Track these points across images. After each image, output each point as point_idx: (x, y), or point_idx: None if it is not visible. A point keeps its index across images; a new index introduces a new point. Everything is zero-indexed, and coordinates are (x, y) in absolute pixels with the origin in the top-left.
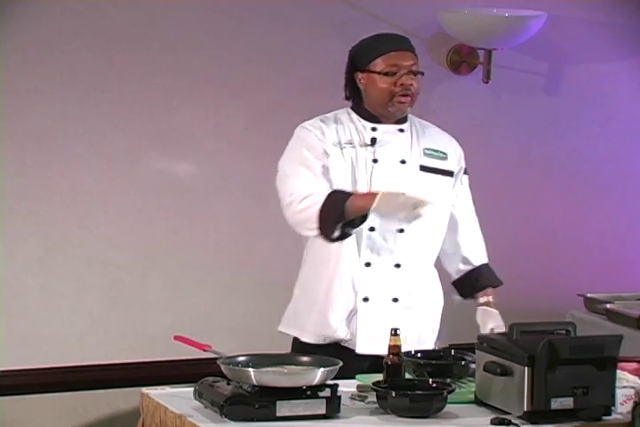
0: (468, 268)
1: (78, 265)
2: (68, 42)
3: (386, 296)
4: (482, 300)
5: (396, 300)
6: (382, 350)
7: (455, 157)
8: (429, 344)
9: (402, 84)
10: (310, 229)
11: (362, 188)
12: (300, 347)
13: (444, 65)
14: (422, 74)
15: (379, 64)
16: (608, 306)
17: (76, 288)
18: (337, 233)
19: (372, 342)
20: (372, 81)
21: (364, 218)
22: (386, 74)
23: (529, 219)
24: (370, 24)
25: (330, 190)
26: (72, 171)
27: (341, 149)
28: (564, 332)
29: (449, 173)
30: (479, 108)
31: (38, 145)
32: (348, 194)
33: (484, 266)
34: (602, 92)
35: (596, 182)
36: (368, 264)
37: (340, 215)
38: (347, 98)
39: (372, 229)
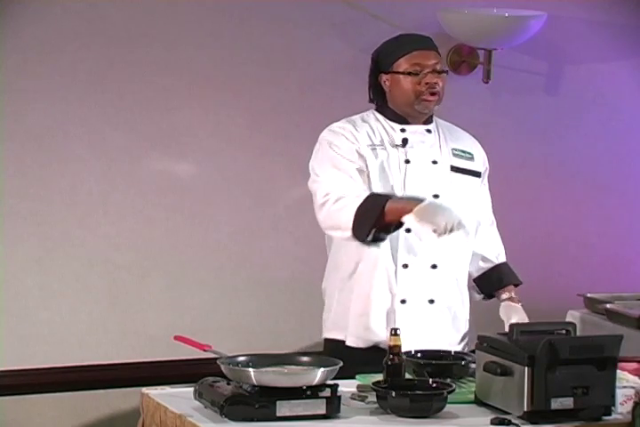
0: (489, 265)
1: (78, 265)
2: (68, 42)
3: (422, 298)
4: (504, 296)
5: (432, 301)
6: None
7: (480, 158)
8: (455, 346)
9: (427, 84)
10: (344, 230)
11: (396, 189)
12: (343, 351)
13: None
14: (447, 72)
15: (402, 64)
16: (608, 306)
17: (76, 288)
18: (370, 237)
19: (409, 345)
20: (397, 82)
21: (399, 224)
22: (409, 74)
23: (529, 219)
24: (370, 24)
25: (367, 193)
26: (72, 171)
27: (373, 150)
28: (564, 332)
29: (477, 174)
30: (479, 108)
31: (38, 145)
32: (388, 196)
33: (503, 264)
34: (602, 92)
35: (595, 182)
36: (405, 266)
37: (378, 217)
38: (371, 100)
39: (408, 230)
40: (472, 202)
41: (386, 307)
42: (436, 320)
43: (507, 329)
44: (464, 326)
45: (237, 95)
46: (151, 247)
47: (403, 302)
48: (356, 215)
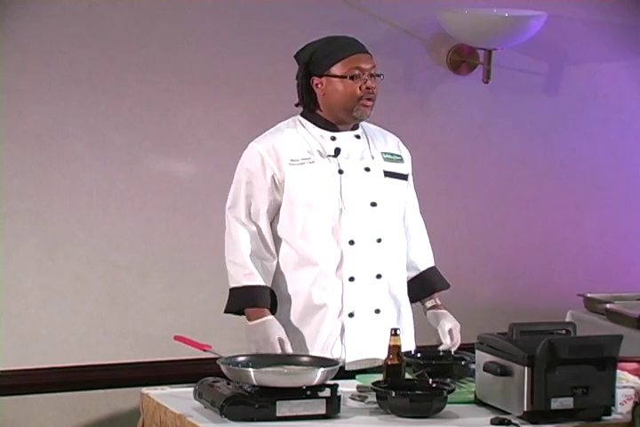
0: (414, 273)
1: (78, 265)
2: (68, 42)
3: (369, 309)
4: (429, 304)
5: (378, 311)
6: (370, 363)
7: (408, 159)
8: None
9: (367, 88)
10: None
11: (333, 199)
12: None
13: (444, 65)
14: (382, 76)
15: (340, 68)
16: (608, 306)
17: (76, 288)
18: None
19: (360, 357)
20: (333, 86)
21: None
22: (351, 77)
23: (529, 219)
24: (370, 24)
25: (257, 282)
26: (72, 171)
27: (300, 165)
28: (563, 332)
29: (405, 177)
30: (479, 108)
31: (38, 145)
32: (260, 298)
33: (429, 270)
34: (602, 92)
35: (595, 182)
36: (352, 279)
37: (239, 306)
38: (299, 104)
39: (351, 242)
40: (403, 206)
41: (337, 323)
42: (384, 331)
43: (441, 336)
44: (409, 333)
45: (238, 95)
46: (151, 247)
47: (350, 315)
48: (231, 291)
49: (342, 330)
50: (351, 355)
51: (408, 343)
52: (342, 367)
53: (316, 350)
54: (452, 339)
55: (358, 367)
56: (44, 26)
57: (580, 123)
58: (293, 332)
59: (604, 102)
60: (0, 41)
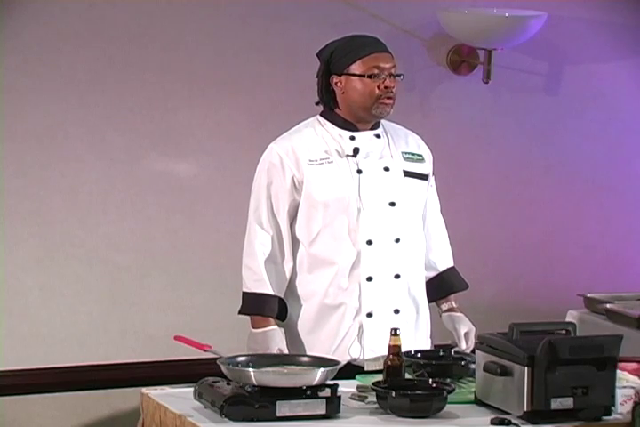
0: (433, 273)
1: (78, 265)
2: (68, 42)
3: (388, 309)
4: (445, 306)
5: (397, 311)
6: None
7: (429, 158)
8: (424, 346)
9: (386, 87)
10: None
11: (351, 199)
12: None
13: (443, 65)
14: (402, 76)
15: (360, 67)
16: (608, 306)
17: (76, 288)
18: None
19: (378, 357)
20: (352, 84)
21: None
22: (370, 76)
23: (529, 219)
24: (370, 24)
25: (269, 290)
26: (72, 171)
27: (318, 165)
28: (564, 332)
29: (425, 177)
30: (479, 108)
31: (38, 145)
32: (266, 307)
33: (448, 270)
34: (602, 92)
35: (595, 182)
36: (370, 278)
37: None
38: (318, 103)
39: (369, 242)
40: (422, 206)
41: (356, 323)
42: (402, 331)
43: (457, 339)
44: (426, 333)
45: (237, 95)
46: (151, 247)
47: (369, 315)
48: (244, 294)
49: (360, 330)
50: (370, 355)
51: (424, 343)
52: (361, 367)
53: (333, 351)
54: (467, 343)
55: (377, 368)
56: (44, 26)
57: (579, 123)
58: (310, 332)
59: (604, 102)
60: (0, 41)
